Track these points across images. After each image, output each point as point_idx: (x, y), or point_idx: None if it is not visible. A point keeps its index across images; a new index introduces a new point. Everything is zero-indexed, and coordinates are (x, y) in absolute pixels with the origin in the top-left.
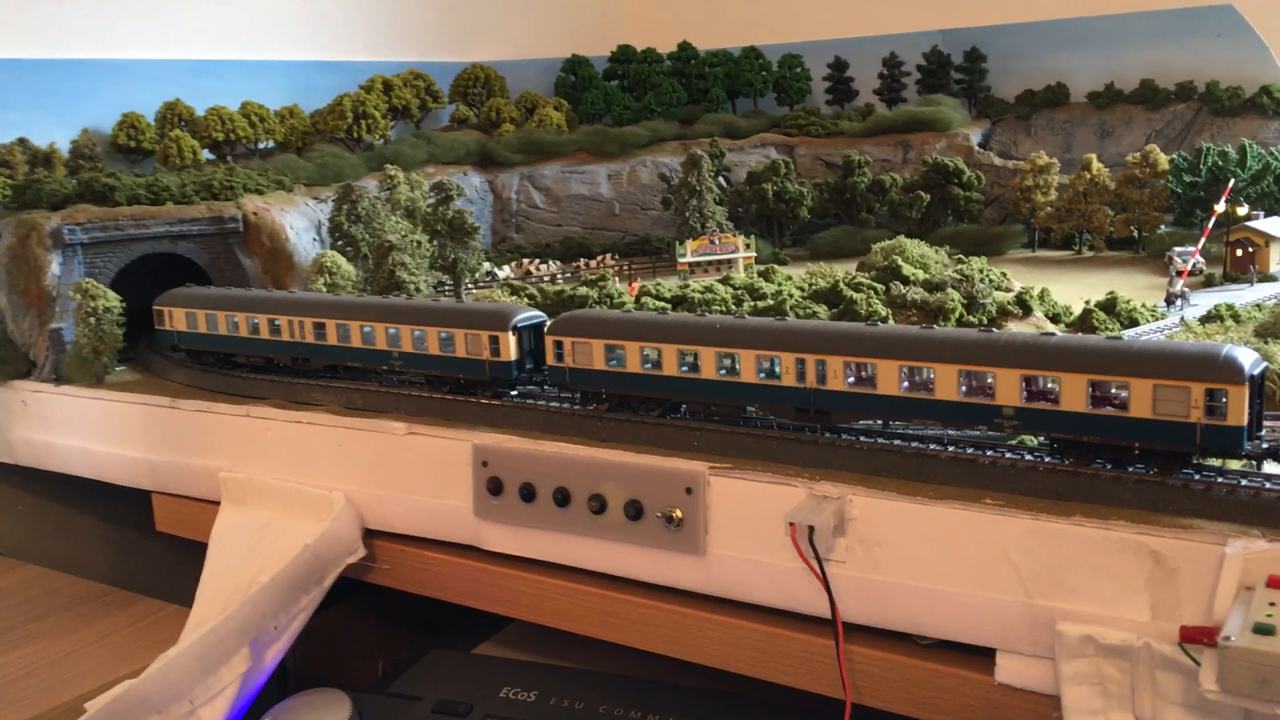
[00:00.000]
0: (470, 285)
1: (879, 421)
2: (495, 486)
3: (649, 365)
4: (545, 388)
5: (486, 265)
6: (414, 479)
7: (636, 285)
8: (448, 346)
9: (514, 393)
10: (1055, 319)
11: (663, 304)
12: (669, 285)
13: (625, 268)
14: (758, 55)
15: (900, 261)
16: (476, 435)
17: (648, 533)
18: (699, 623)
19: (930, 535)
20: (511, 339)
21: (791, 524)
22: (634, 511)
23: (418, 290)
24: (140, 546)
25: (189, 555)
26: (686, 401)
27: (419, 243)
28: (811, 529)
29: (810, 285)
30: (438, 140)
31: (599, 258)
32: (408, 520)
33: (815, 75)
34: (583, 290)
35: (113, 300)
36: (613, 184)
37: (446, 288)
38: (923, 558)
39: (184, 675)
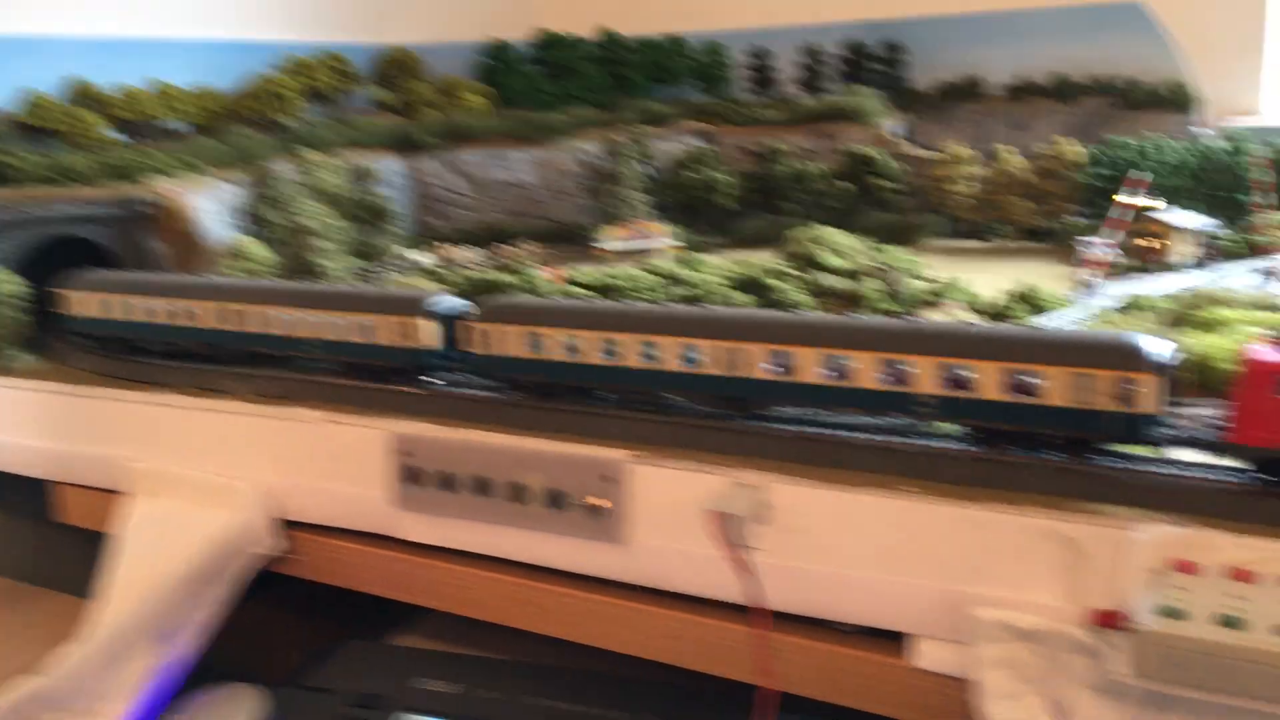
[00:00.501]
0: (389, 271)
1: (801, 409)
2: (414, 475)
3: (570, 353)
4: (465, 375)
5: (406, 251)
6: (330, 468)
7: (562, 271)
8: (365, 333)
9: (433, 380)
10: (972, 308)
11: (587, 291)
12: (591, 272)
13: (547, 255)
14: (681, 43)
15: (820, 250)
16: (395, 423)
17: (569, 521)
18: (621, 611)
19: (850, 522)
20: (431, 325)
21: (712, 511)
22: (555, 500)
23: (335, 275)
24: (42, 539)
25: (95, 548)
26: (609, 389)
27: (336, 227)
28: (732, 517)
29: (731, 273)
30: (356, 124)
31: (517, 243)
32: (325, 510)
33: (738, 64)
34: (503, 276)
35: (13, 284)
36: (535, 170)
37: (365, 273)
38: (842, 544)
39: (89, 672)
